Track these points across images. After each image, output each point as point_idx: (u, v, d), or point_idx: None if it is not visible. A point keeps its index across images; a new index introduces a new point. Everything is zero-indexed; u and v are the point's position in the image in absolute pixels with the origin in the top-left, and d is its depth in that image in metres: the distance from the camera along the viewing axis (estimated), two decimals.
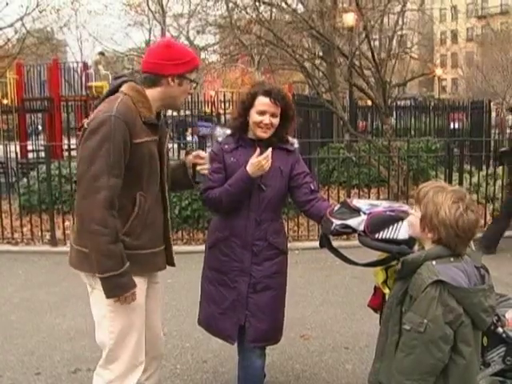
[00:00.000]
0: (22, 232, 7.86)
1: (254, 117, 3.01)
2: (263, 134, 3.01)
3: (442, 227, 2.11)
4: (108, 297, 2.46)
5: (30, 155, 13.34)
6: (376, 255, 2.74)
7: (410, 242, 2.46)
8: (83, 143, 2.44)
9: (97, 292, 2.56)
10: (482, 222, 7.85)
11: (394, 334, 2.24)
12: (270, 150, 2.95)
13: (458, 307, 2.06)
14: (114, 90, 2.58)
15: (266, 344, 3.19)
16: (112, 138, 2.38)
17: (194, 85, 2.68)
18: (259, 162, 2.91)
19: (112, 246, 2.39)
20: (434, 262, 2.11)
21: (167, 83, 2.57)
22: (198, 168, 2.88)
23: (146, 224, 2.59)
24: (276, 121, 3.01)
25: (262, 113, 2.99)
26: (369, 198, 8.18)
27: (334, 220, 2.76)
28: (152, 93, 2.57)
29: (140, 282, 2.62)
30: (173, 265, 2.85)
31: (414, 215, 2.26)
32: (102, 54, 17.23)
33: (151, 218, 2.62)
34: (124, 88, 2.55)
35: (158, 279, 2.91)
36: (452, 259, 2.14)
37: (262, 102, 2.99)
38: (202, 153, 2.91)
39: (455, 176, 8.59)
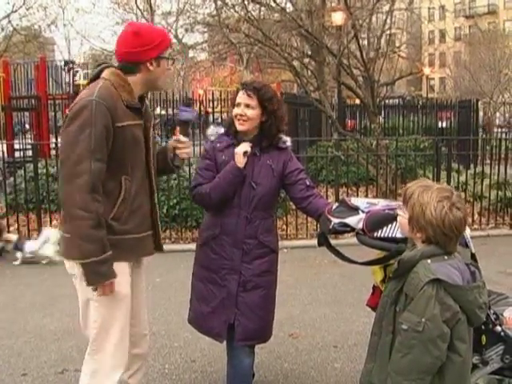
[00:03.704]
0: (8, 231, 7.77)
1: (233, 110, 3.06)
2: (240, 127, 3.03)
3: (429, 227, 2.11)
4: (88, 284, 2.44)
5: (17, 154, 13.23)
6: (375, 254, 2.74)
7: (409, 240, 2.45)
8: (65, 129, 2.45)
9: (80, 281, 2.54)
10: (470, 220, 7.89)
11: (387, 334, 2.23)
12: (247, 143, 3.03)
13: (455, 305, 2.06)
14: (95, 78, 2.59)
15: (254, 343, 3.18)
16: (93, 122, 2.38)
17: (172, 61, 2.71)
18: (241, 148, 2.99)
19: (93, 230, 2.37)
20: (429, 261, 2.11)
21: (146, 68, 2.59)
22: (178, 152, 2.89)
23: (133, 208, 2.58)
24: (252, 113, 3.00)
25: (237, 105, 3.03)
26: (357, 196, 8.20)
27: (332, 218, 2.76)
28: (132, 79, 2.58)
29: (126, 272, 2.61)
30: (161, 250, 2.84)
31: (402, 216, 2.25)
32: (66, 63, 16.58)
33: (138, 203, 2.61)
34: (104, 74, 2.57)
35: (142, 277, 2.88)
36: (446, 257, 2.14)
37: (238, 94, 3.05)
38: (182, 137, 2.90)
39: (443, 175, 8.64)
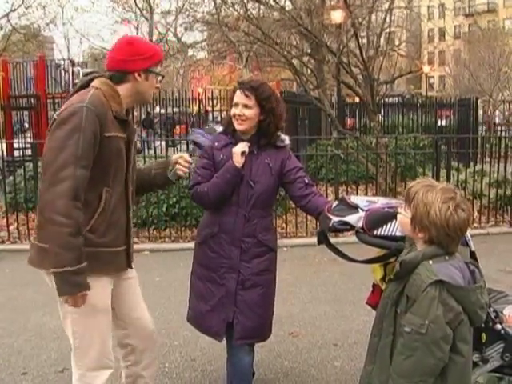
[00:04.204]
0: (8, 230, 7.79)
1: (231, 110, 3.05)
2: (238, 126, 3.03)
3: (433, 228, 2.09)
4: (59, 294, 2.39)
5: (17, 153, 13.23)
6: (374, 252, 2.73)
7: (407, 239, 2.44)
8: (52, 133, 2.41)
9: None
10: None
11: (388, 336, 2.21)
12: (245, 143, 3.02)
13: (457, 306, 2.04)
14: (84, 85, 2.58)
15: (253, 341, 3.18)
16: (83, 128, 2.35)
17: (160, 78, 2.70)
18: (238, 148, 2.98)
19: (72, 238, 2.31)
20: (430, 262, 2.09)
21: (134, 79, 2.58)
22: (177, 167, 2.89)
23: (111, 221, 2.55)
24: (250, 112, 3.00)
25: (235, 105, 3.02)
26: (357, 194, 8.19)
27: (332, 217, 2.75)
28: (121, 89, 2.58)
29: (104, 284, 2.59)
30: (130, 267, 2.78)
31: (404, 215, 2.22)
32: (58, 66, 16.45)
33: (116, 216, 2.58)
34: (95, 83, 2.55)
35: (132, 274, 2.85)
36: (447, 257, 2.12)
37: (236, 94, 3.04)
38: (187, 157, 2.90)
39: (443, 173, 8.64)
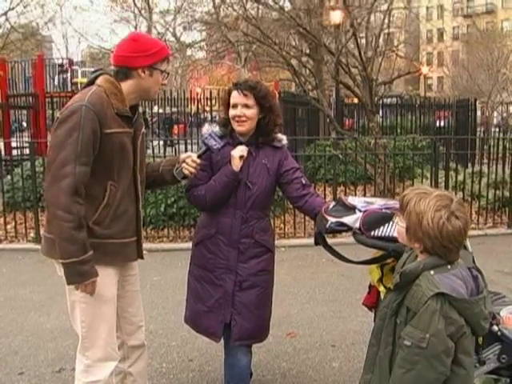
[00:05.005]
0: (5, 230, 7.79)
1: (230, 112, 3.02)
2: (239, 128, 3.01)
3: (427, 238, 2.01)
4: (68, 283, 2.50)
5: (15, 152, 13.21)
6: (371, 253, 2.73)
7: None
8: (54, 132, 2.50)
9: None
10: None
11: (387, 346, 2.16)
12: (244, 146, 2.99)
13: (460, 318, 1.98)
14: (90, 83, 2.63)
15: (251, 342, 3.17)
16: (81, 127, 2.43)
17: (166, 75, 2.72)
18: (237, 151, 2.95)
19: (75, 231, 2.42)
20: (432, 272, 2.02)
21: (138, 75, 2.60)
22: (183, 165, 2.88)
23: (117, 214, 2.62)
24: (250, 112, 2.98)
25: (234, 106, 3.00)
26: (355, 195, 8.19)
27: (329, 218, 2.74)
28: (125, 86, 2.61)
29: (111, 274, 2.65)
30: (141, 258, 2.86)
31: (399, 225, 2.16)
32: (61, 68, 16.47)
33: (122, 209, 2.65)
34: (98, 80, 2.60)
35: (135, 271, 2.92)
36: (449, 267, 2.05)
37: (233, 95, 3.02)
38: (195, 157, 2.89)
39: (441, 174, 8.64)
